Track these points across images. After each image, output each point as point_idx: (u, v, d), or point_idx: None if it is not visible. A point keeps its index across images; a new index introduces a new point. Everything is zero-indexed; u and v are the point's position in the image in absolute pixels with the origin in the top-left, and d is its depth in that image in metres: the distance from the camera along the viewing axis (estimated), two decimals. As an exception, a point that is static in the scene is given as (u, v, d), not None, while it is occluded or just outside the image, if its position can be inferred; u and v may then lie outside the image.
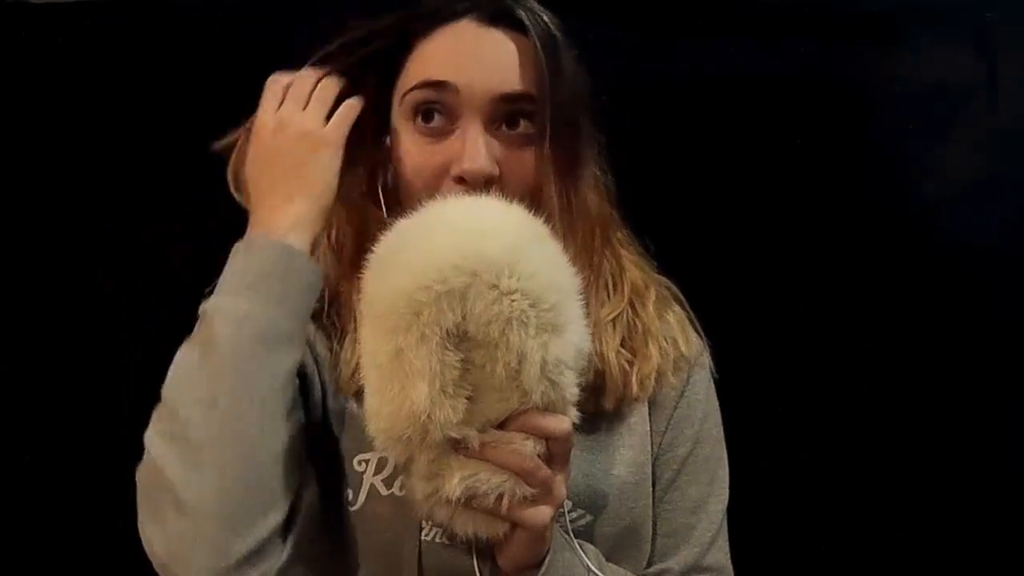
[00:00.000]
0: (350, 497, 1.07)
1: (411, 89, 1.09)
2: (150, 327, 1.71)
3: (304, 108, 1.10)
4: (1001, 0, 1.60)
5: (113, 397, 1.75)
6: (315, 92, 1.11)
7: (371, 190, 1.15)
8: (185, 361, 1.00)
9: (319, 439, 1.09)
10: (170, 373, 1.01)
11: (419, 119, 1.09)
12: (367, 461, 1.07)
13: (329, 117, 1.10)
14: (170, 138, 1.73)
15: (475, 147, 1.05)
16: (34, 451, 1.79)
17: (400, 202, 1.11)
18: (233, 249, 1.04)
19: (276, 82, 1.13)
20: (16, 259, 1.78)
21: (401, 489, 1.05)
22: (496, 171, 1.06)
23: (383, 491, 1.06)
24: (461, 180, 1.06)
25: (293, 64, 1.67)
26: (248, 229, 1.06)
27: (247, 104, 1.68)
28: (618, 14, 1.63)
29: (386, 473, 1.06)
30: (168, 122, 1.73)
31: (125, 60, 1.74)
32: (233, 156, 1.15)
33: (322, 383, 1.11)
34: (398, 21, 1.12)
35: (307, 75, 1.12)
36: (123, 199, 1.75)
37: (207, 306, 1.01)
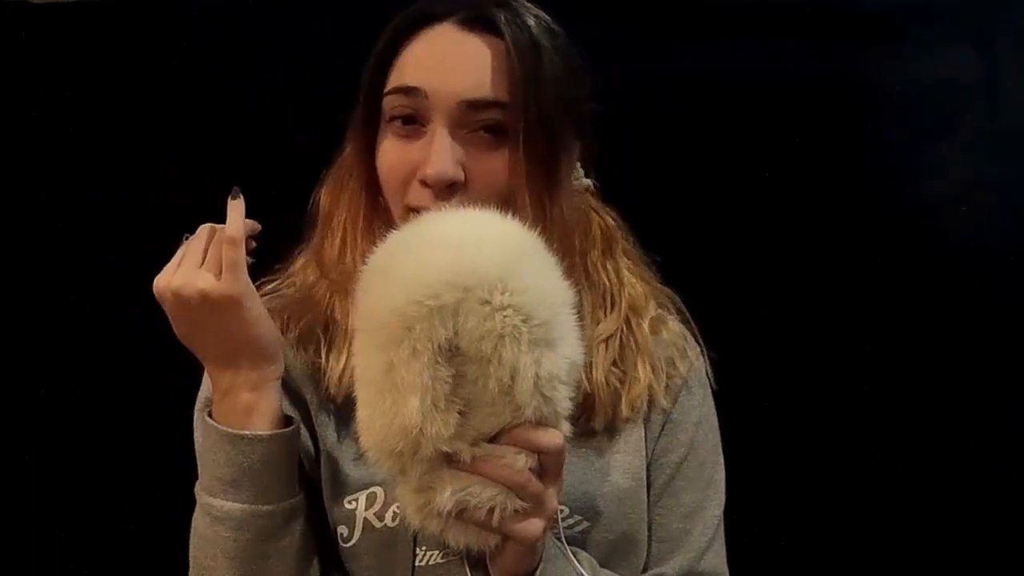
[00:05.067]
0: (345, 534, 1.10)
1: (386, 94, 1.09)
2: (150, 327, 1.73)
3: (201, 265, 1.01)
4: (1001, 0, 1.60)
5: (114, 397, 1.77)
6: (211, 245, 1.02)
7: (369, 193, 1.13)
8: (201, 550, 1.07)
9: (314, 489, 1.12)
10: (193, 552, 1.08)
11: (394, 122, 1.09)
12: (356, 499, 1.09)
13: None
14: (170, 138, 1.74)
15: (439, 152, 1.05)
16: (35, 452, 1.80)
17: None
18: (205, 425, 1.05)
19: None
20: (16, 259, 1.79)
21: (393, 520, 1.07)
22: (460, 176, 1.05)
23: (376, 524, 1.08)
24: (426, 184, 1.05)
25: (294, 62, 1.70)
26: (213, 390, 1.05)
27: (246, 105, 1.70)
28: (617, 14, 1.63)
29: (377, 507, 1.08)
30: (168, 122, 1.73)
31: (125, 60, 1.74)
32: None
33: (310, 425, 1.14)
34: (392, 28, 1.12)
35: (202, 231, 1.03)
36: (123, 198, 1.76)
37: (203, 501, 1.05)
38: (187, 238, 1.05)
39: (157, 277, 1.02)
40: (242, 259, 1.02)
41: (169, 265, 1.03)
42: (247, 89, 1.71)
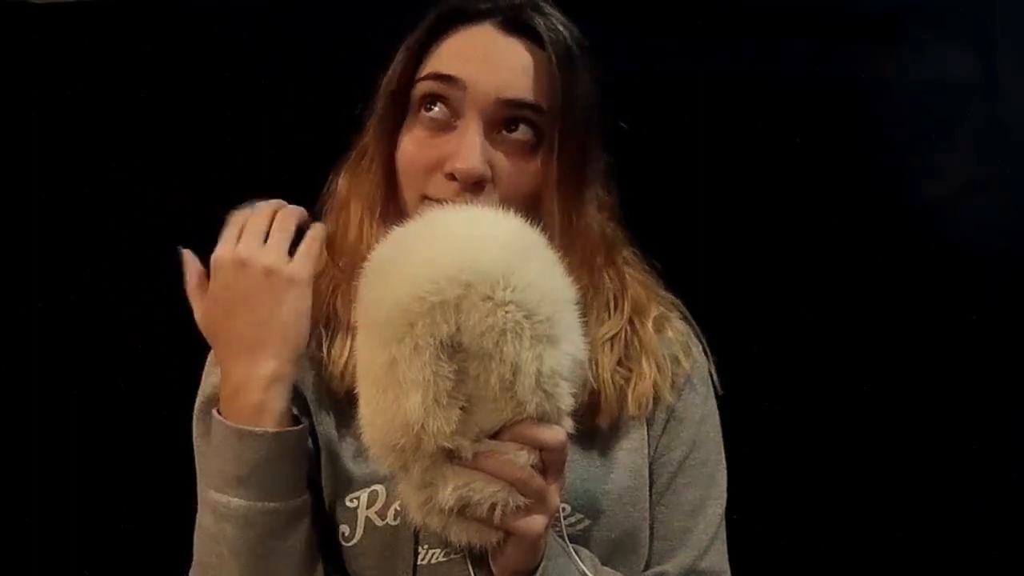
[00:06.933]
0: (347, 533, 1.09)
1: (421, 79, 1.10)
2: (151, 327, 1.73)
3: (264, 242, 1.04)
4: (1001, 0, 1.60)
5: (114, 397, 1.76)
6: (275, 224, 1.05)
7: (387, 183, 1.13)
8: (206, 547, 1.06)
9: (314, 488, 1.11)
10: (197, 551, 1.07)
11: (423, 109, 1.10)
12: (357, 498, 1.09)
13: (292, 249, 1.05)
14: (170, 138, 1.74)
15: (470, 147, 1.06)
16: (36, 452, 1.80)
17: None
18: (213, 422, 1.04)
19: (236, 217, 1.07)
20: (17, 259, 1.79)
21: (395, 518, 1.07)
22: (488, 174, 1.06)
23: (378, 523, 1.08)
24: (452, 177, 1.06)
25: (295, 62, 1.70)
26: (222, 387, 1.05)
27: (245, 105, 1.70)
28: (618, 13, 1.63)
29: (378, 505, 1.08)
30: (168, 122, 1.74)
31: (125, 60, 1.74)
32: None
33: (310, 422, 1.13)
34: (427, 23, 1.12)
35: (265, 208, 1.07)
36: (123, 198, 1.76)
37: (209, 498, 1.05)
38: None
39: (218, 247, 1.04)
40: (316, 255, 1.06)
41: (227, 237, 1.04)
42: (248, 89, 1.71)
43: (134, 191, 1.75)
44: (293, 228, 1.06)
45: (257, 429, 1.02)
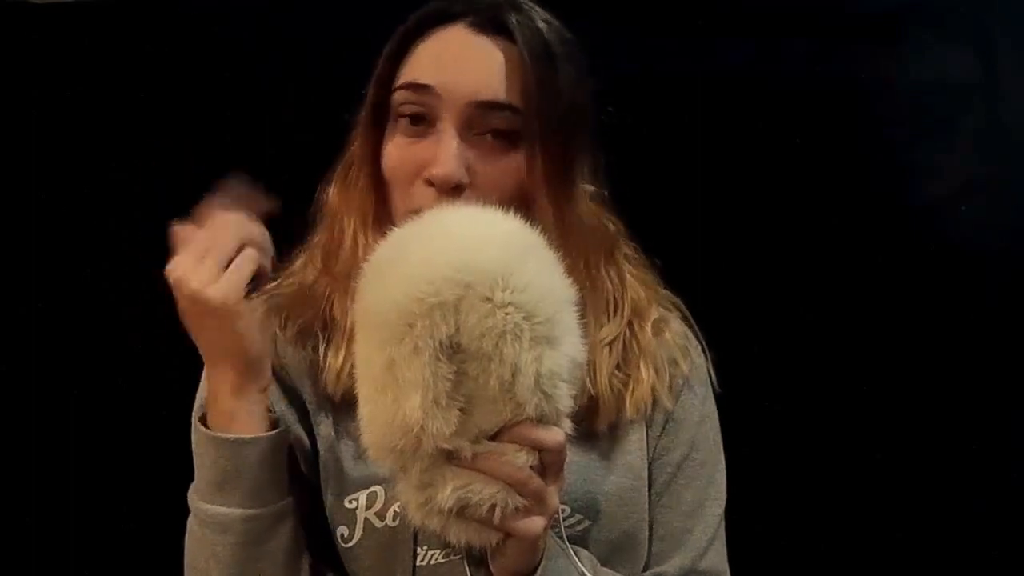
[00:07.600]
0: (346, 534, 1.10)
1: (397, 88, 1.10)
2: (150, 327, 1.73)
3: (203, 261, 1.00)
4: (1001, 0, 1.60)
5: (114, 397, 1.76)
6: (212, 242, 1.01)
7: (377, 191, 1.13)
8: (194, 551, 1.07)
9: (312, 489, 1.12)
10: (187, 554, 1.08)
11: (402, 118, 1.09)
12: (356, 499, 1.09)
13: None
14: (170, 138, 1.74)
15: (447, 153, 1.05)
16: (36, 452, 1.80)
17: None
18: (194, 428, 1.05)
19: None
20: (16, 259, 1.79)
21: (394, 520, 1.07)
22: (465, 179, 1.05)
23: (377, 524, 1.08)
24: (431, 184, 1.06)
25: (295, 62, 1.70)
26: (207, 391, 1.05)
27: (245, 105, 1.70)
28: (618, 13, 1.63)
29: (377, 506, 1.08)
30: (168, 122, 1.74)
31: (125, 60, 1.74)
32: None
33: (308, 424, 1.14)
34: (404, 27, 1.12)
35: (221, 222, 1.01)
36: (123, 198, 1.76)
37: (194, 505, 1.06)
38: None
39: (168, 265, 1.01)
40: (248, 273, 1.01)
41: (177, 253, 1.01)
42: (248, 89, 1.71)
43: (134, 191, 1.75)
44: (230, 245, 1.00)
45: (229, 436, 1.02)
